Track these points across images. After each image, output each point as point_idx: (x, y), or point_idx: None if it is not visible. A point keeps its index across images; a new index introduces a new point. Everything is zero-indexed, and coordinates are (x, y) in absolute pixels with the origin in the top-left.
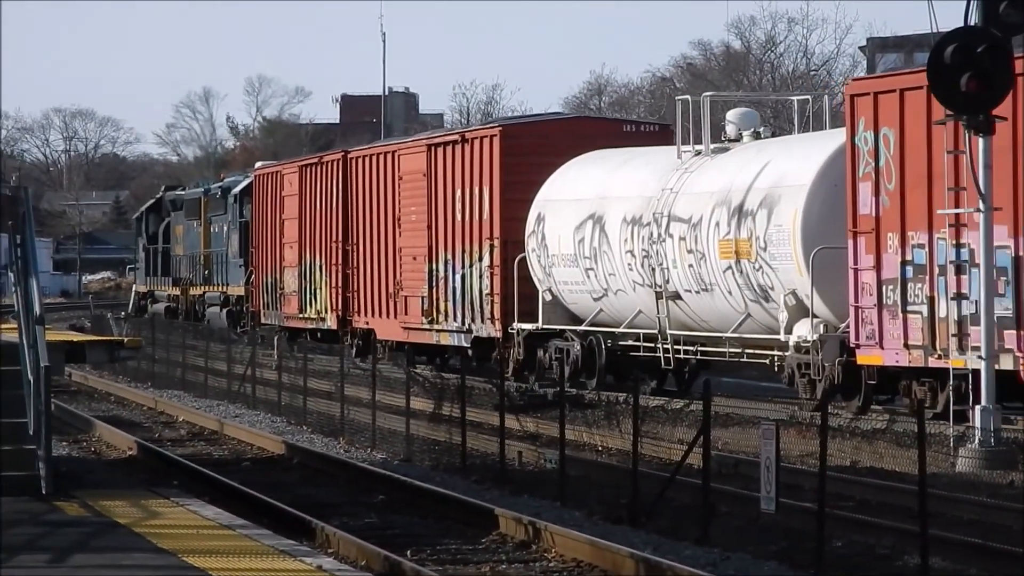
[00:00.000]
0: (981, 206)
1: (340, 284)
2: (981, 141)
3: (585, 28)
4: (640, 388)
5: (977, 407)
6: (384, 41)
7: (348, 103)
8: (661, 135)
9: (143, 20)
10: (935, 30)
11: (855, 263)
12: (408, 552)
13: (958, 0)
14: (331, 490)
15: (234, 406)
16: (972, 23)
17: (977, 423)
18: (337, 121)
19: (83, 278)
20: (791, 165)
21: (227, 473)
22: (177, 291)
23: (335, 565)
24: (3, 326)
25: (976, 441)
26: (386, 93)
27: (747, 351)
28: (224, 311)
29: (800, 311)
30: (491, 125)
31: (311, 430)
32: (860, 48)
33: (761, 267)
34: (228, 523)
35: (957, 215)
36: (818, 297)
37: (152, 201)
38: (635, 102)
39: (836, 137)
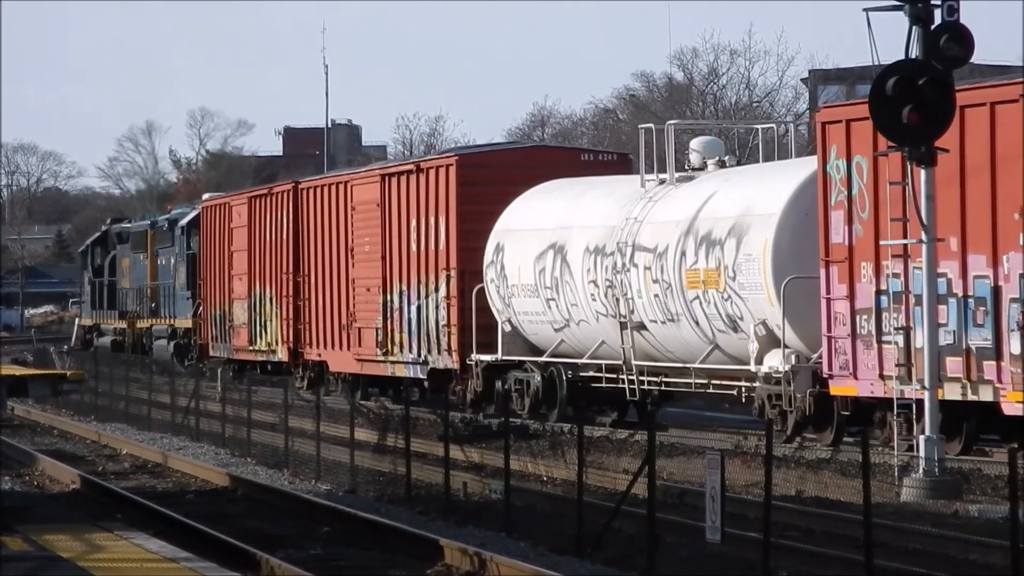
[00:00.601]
0: (924, 237)
1: (291, 316)
2: (923, 173)
3: (528, 60)
4: (596, 419)
5: (921, 437)
6: (327, 73)
7: (291, 135)
8: (619, 164)
9: (86, 53)
10: (877, 63)
11: (828, 292)
12: None
13: (899, 33)
14: (276, 522)
15: (178, 438)
16: (913, 56)
17: (922, 452)
18: (280, 153)
19: (25, 312)
20: (760, 194)
21: (171, 506)
22: (123, 324)
23: None
24: None
25: (920, 471)
26: (329, 125)
27: (714, 382)
28: (171, 344)
29: (771, 341)
30: (447, 155)
31: (256, 462)
32: (803, 80)
33: (730, 297)
34: (172, 556)
35: (905, 247)
36: (789, 327)
37: (98, 234)
38: (578, 133)
39: (806, 166)
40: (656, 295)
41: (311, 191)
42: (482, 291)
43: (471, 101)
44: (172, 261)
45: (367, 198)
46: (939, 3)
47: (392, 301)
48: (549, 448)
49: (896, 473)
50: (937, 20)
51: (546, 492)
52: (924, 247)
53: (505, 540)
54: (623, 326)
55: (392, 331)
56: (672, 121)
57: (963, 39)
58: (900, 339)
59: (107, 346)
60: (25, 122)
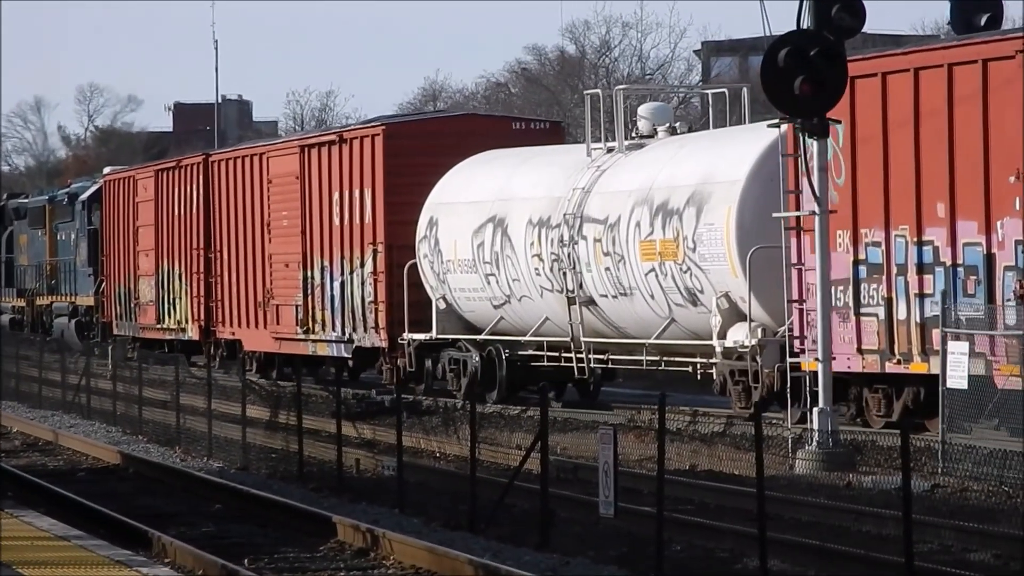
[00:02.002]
0: (816, 209)
1: (202, 293)
2: (816, 144)
3: (418, 33)
4: (484, 395)
5: (815, 409)
6: (216, 48)
7: (181, 111)
8: (552, 133)
9: None
10: (768, 34)
11: (799, 262)
12: (246, 561)
13: (791, 2)
14: (168, 500)
15: (69, 416)
16: (805, 27)
17: (815, 425)
18: (171, 129)
19: None
20: (720, 160)
21: (62, 484)
22: (22, 302)
23: (172, 575)
24: None
25: (814, 443)
26: (219, 101)
27: (666, 359)
28: (72, 322)
29: (734, 315)
30: (372, 124)
31: (147, 440)
32: (695, 52)
33: (689, 269)
34: (63, 534)
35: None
36: (754, 299)
37: None
38: (470, 107)
39: (769, 131)
40: (607, 268)
41: (222, 163)
42: (414, 267)
43: (362, 76)
44: (72, 237)
45: (285, 170)
46: None
47: (313, 277)
48: (442, 424)
49: (789, 446)
50: None
51: (439, 469)
52: (817, 219)
53: (398, 517)
54: (571, 301)
55: (313, 308)
56: (621, 86)
57: (855, 9)
58: (882, 311)
59: (5, 324)
60: None
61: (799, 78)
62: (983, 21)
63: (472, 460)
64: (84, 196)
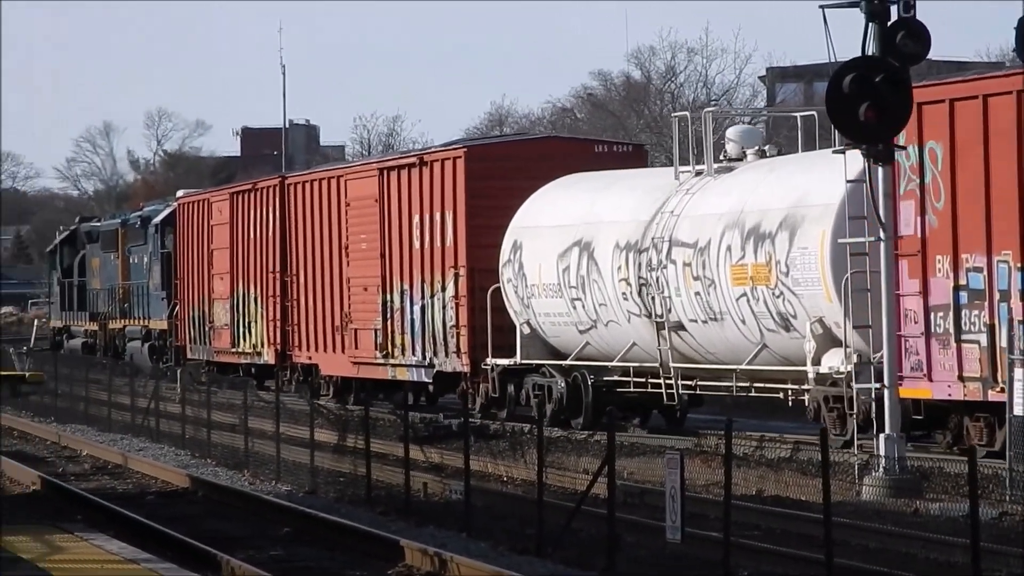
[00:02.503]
0: (882, 235)
1: (279, 317)
2: (880, 170)
3: (484, 59)
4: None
5: (881, 435)
6: (284, 74)
7: (248, 136)
8: (634, 156)
9: (43, 53)
10: (833, 60)
11: (897, 288)
12: None
13: (856, 30)
14: (236, 523)
15: (138, 439)
16: (870, 53)
17: (881, 451)
18: (238, 154)
19: None
20: (814, 183)
21: (132, 507)
22: (95, 326)
23: None
24: None
25: (880, 469)
26: (286, 126)
27: (756, 385)
28: (146, 346)
29: (828, 340)
30: (453, 146)
31: (215, 463)
32: (760, 78)
33: (782, 293)
34: (133, 557)
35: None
36: (850, 325)
37: (66, 233)
38: (535, 133)
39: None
40: (697, 293)
41: (299, 186)
42: (497, 291)
43: (428, 101)
44: (145, 260)
45: (363, 193)
46: (895, 0)
47: (392, 301)
48: (509, 448)
49: (856, 472)
50: (894, 17)
51: (506, 492)
52: (883, 246)
53: (465, 540)
54: (659, 326)
55: (392, 332)
56: (709, 108)
57: (919, 36)
58: (984, 338)
59: (78, 348)
60: None
61: (864, 104)
62: None
63: (539, 484)
64: (157, 219)
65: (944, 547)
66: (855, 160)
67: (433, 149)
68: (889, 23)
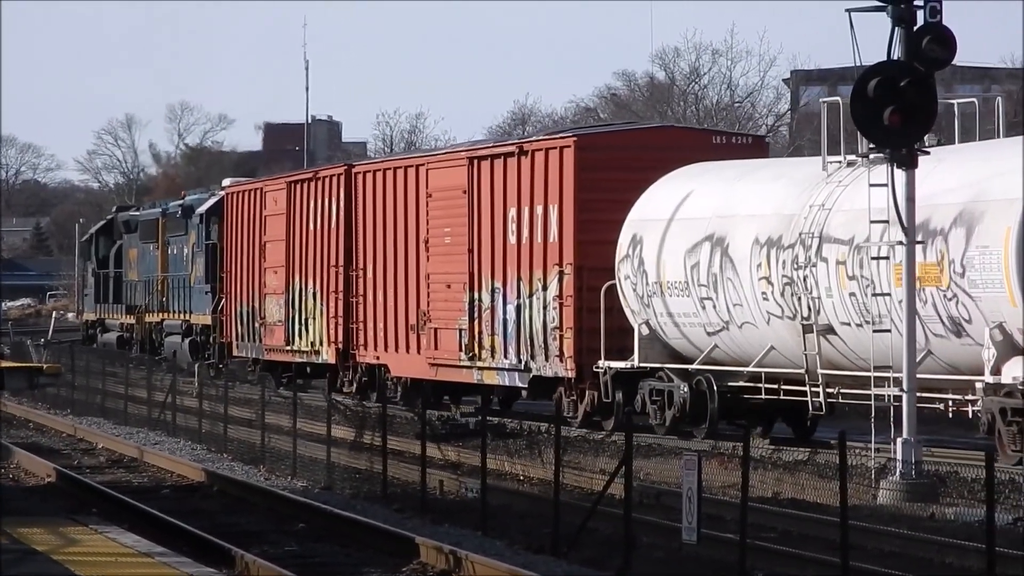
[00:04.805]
0: (904, 239)
1: (341, 313)
2: (904, 175)
3: (509, 58)
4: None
5: (899, 439)
6: (307, 69)
7: (271, 131)
8: (754, 147)
9: (65, 46)
10: (859, 63)
11: None
12: None
13: (882, 34)
14: (251, 518)
15: (154, 433)
16: (895, 57)
17: (898, 455)
18: (260, 148)
19: (2, 305)
20: (995, 176)
21: (147, 500)
22: (131, 319)
23: None
24: None
25: (897, 473)
26: (309, 121)
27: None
28: (186, 341)
29: (1009, 347)
30: (560, 135)
31: (232, 458)
32: (784, 80)
33: (955, 296)
34: (147, 550)
35: None
36: None
37: (102, 223)
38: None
39: None
40: (852, 294)
41: (368, 175)
42: (611, 289)
43: (451, 99)
44: (186, 251)
45: (449, 183)
46: (922, 4)
47: (481, 300)
48: (526, 447)
49: (873, 476)
50: (920, 21)
51: (523, 491)
52: (904, 250)
53: (481, 539)
54: (806, 329)
55: (480, 333)
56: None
57: (945, 41)
58: None
59: (112, 342)
60: (4, 114)
61: (889, 108)
62: None
63: (556, 483)
64: (202, 209)
65: (960, 551)
66: None
67: (535, 138)
68: (915, 28)
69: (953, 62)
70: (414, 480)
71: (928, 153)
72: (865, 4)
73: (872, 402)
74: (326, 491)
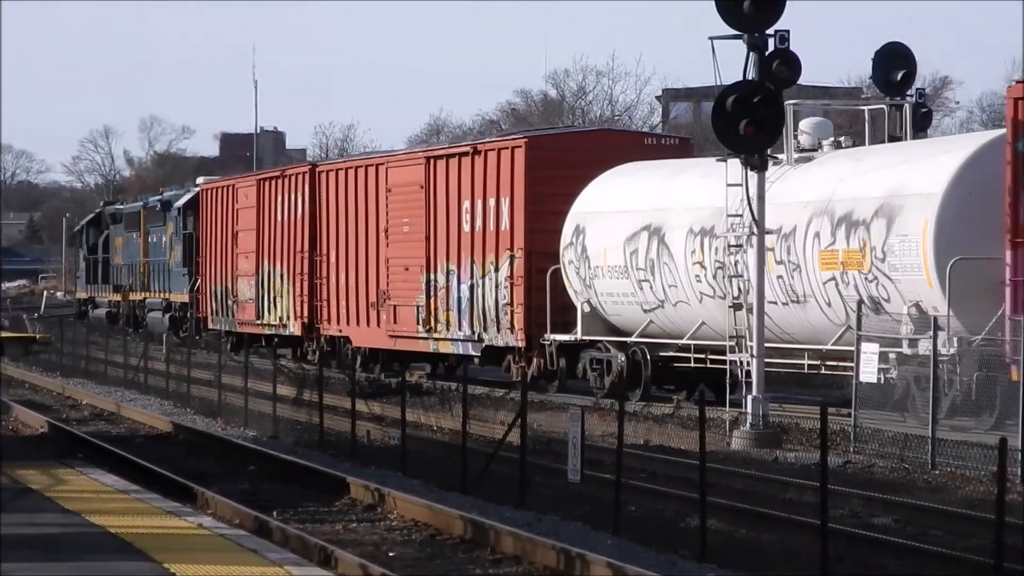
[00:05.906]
0: (755, 230)
1: (306, 292)
2: (756, 176)
3: (425, 77)
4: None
5: (749, 396)
6: (256, 88)
7: (226, 140)
8: (681, 147)
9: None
10: (719, 83)
11: (1016, 275)
12: (274, 513)
13: (739, 58)
14: (211, 461)
15: (129, 392)
16: (750, 77)
17: (749, 409)
18: (217, 155)
19: (2, 285)
20: (913, 173)
21: (124, 447)
22: (118, 297)
23: (213, 523)
24: None
25: (748, 424)
26: (258, 132)
27: (828, 363)
28: (166, 316)
29: (924, 324)
30: (513, 137)
31: (194, 412)
32: (656, 97)
33: (876, 278)
34: (124, 488)
35: None
36: (952, 310)
37: (92, 215)
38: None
39: (966, 144)
40: (780, 276)
41: (331, 174)
42: (556, 272)
43: (377, 111)
44: (165, 239)
45: (407, 180)
46: (772, 33)
47: (437, 280)
48: (439, 403)
49: (727, 426)
50: (771, 48)
51: (436, 440)
52: (755, 240)
53: (402, 479)
54: (736, 307)
55: (436, 309)
56: (791, 101)
57: (792, 63)
58: None
59: (102, 317)
60: (3, 125)
61: (744, 121)
62: (899, 77)
63: (464, 433)
64: (179, 203)
65: (799, 489)
66: (961, 148)
67: (488, 140)
68: (767, 53)
69: (798, 82)
70: (346, 430)
71: (779, 160)
72: (725, 33)
73: (727, 367)
74: (273, 439)
